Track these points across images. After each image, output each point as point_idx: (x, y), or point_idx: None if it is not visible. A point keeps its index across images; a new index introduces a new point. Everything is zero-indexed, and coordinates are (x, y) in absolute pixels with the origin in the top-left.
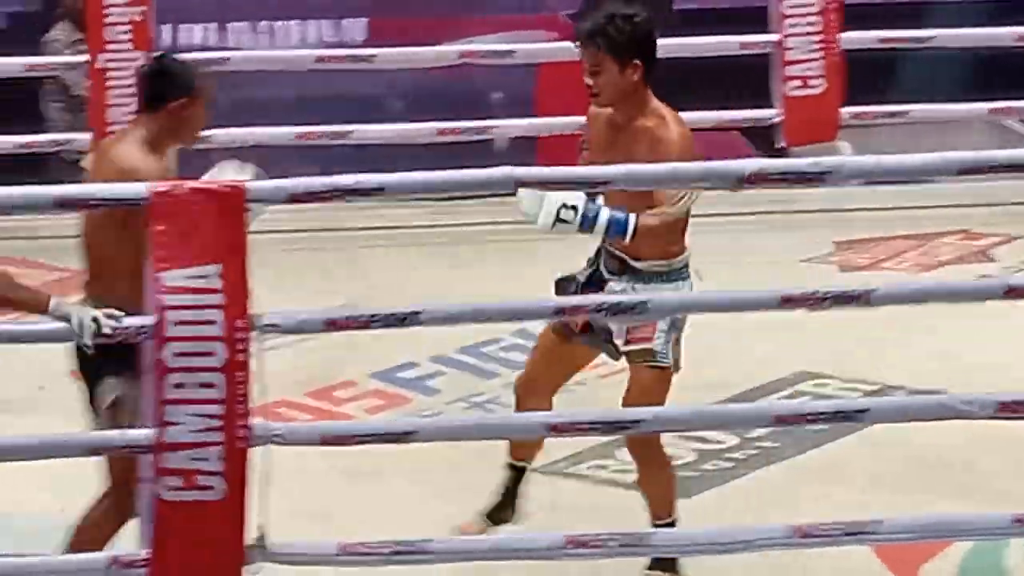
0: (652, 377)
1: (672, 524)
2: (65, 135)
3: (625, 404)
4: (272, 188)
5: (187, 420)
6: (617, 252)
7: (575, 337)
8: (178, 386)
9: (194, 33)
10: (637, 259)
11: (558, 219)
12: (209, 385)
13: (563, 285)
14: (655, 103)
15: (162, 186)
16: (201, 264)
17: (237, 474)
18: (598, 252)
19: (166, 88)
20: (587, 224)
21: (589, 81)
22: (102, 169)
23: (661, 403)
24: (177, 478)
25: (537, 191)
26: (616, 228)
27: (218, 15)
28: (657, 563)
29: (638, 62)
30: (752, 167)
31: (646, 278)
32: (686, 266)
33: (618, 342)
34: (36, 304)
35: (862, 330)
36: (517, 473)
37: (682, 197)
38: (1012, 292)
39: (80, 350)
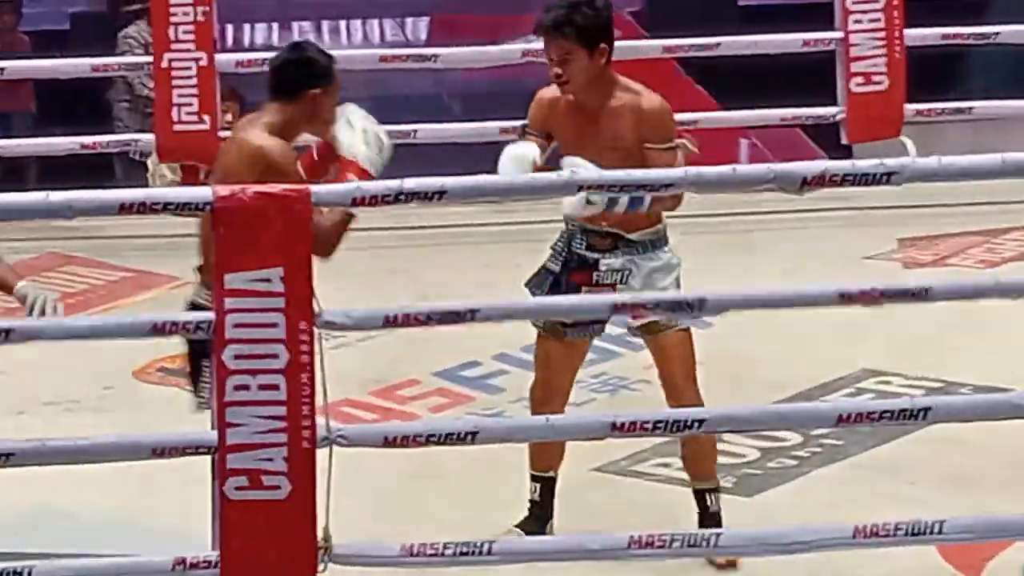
0: (681, 340)
1: (717, 489)
2: (128, 136)
3: (667, 376)
4: (337, 192)
5: (250, 421)
6: (608, 229)
7: (569, 331)
8: (240, 388)
9: (257, 32)
10: (631, 231)
11: (588, 201)
12: (272, 387)
13: (538, 282)
14: (622, 80)
15: (226, 190)
16: (264, 267)
17: (302, 474)
18: (567, 237)
19: (305, 76)
20: (612, 203)
21: (557, 70)
22: (233, 153)
23: (695, 362)
24: (242, 478)
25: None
26: (635, 203)
27: (282, 14)
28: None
29: (604, 46)
30: (815, 169)
31: (640, 248)
32: (666, 229)
33: (626, 319)
34: (4, 283)
35: (926, 327)
36: (546, 483)
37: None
38: None
39: (191, 348)
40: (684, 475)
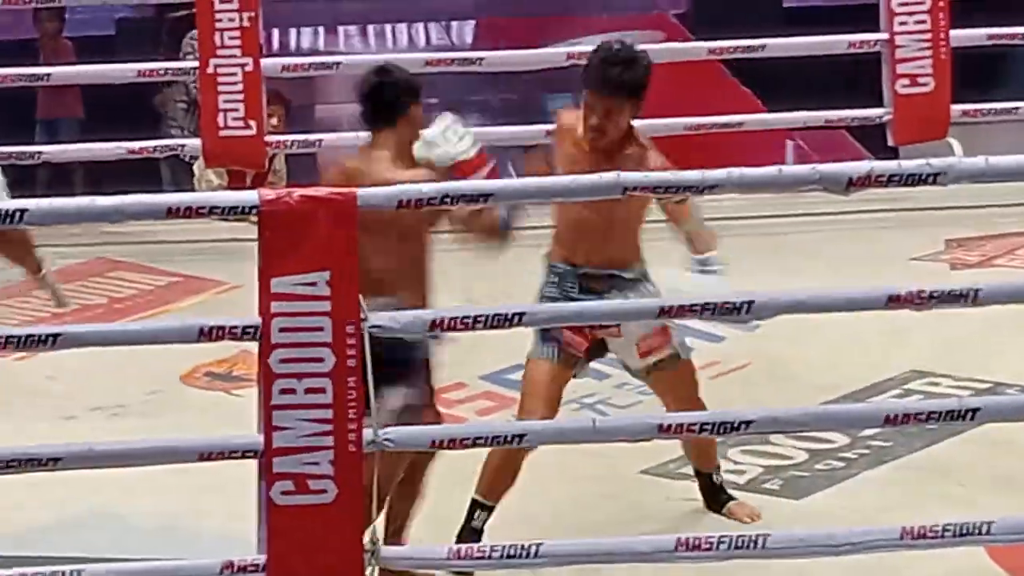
0: (687, 372)
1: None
2: (175, 141)
3: (681, 407)
4: (383, 195)
5: (297, 425)
6: (601, 271)
7: (579, 363)
8: (287, 392)
9: (304, 37)
10: (626, 268)
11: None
12: (319, 390)
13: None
14: (636, 130)
15: (271, 193)
16: (310, 271)
17: (349, 478)
18: (558, 283)
19: (401, 96)
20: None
21: (599, 122)
22: None
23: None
24: (289, 482)
25: None
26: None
27: (328, 19)
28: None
29: (642, 99)
30: (861, 170)
31: (633, 284)
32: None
33: (630, 360)
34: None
35: (974, 328)
36: (491, 513)
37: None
38: None
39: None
40: (734, 477)
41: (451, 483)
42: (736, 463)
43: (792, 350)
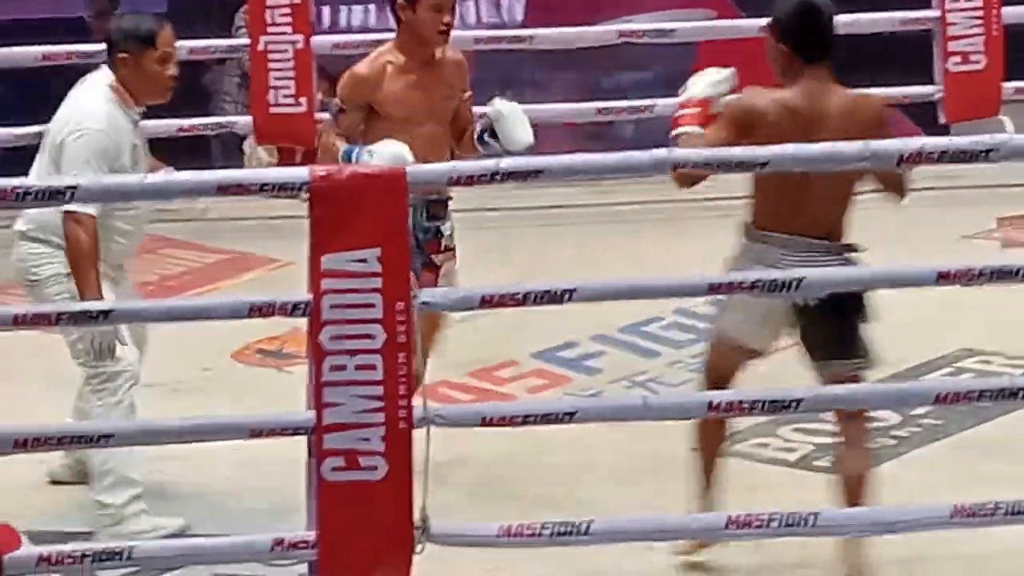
0: None
1: None
2: (226, 119)
3: None
4: (433, 172)
5: (348, 401)
6: (442, 196)
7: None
8: (337, 368)
9: (355, 14)
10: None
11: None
12: (369, 367)
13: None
14: None
15: (322, 170)
16: (361, 248)
17: (400, 455)
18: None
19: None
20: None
21: (449, 20)
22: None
23: None
24: (339, 459)
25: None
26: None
27: None
28: None
29: None
30: (912, 146)
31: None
32: None
33: None
34: None
35: None
36: None
37: None
38: None
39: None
40: (783, 455)
41: (506, 460)
42: (787, 441)
43: None
